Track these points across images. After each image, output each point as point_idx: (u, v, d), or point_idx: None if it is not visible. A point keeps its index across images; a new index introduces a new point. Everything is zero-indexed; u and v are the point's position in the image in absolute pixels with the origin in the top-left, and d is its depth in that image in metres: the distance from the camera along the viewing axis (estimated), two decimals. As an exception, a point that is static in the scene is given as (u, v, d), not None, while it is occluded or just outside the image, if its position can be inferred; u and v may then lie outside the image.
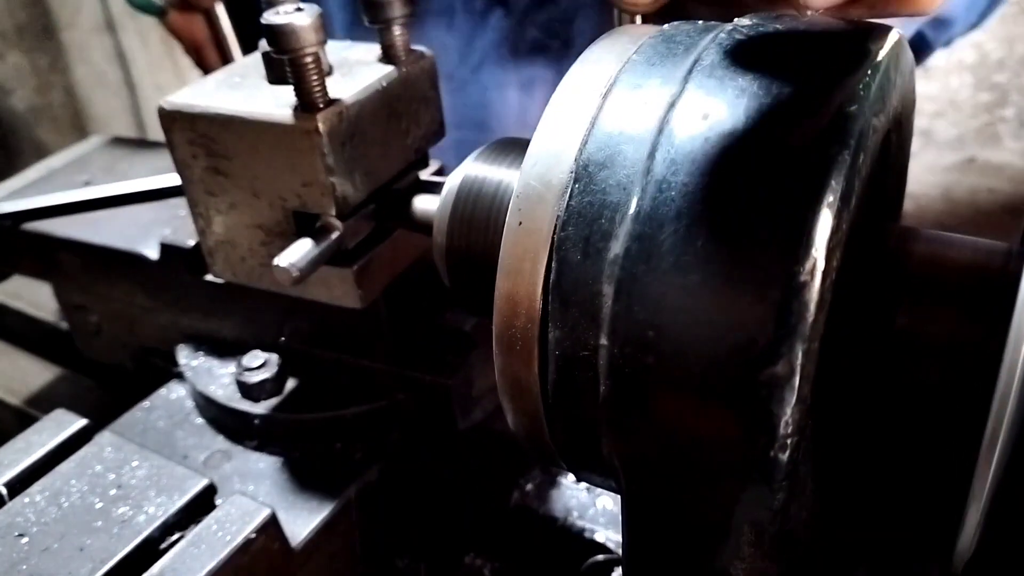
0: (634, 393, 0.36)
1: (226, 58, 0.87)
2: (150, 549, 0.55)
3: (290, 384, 0.68)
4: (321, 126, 0.53)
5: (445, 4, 1.03)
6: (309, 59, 0.51)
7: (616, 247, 0.36)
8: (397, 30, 0.58)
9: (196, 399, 0.71)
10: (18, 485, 0.59)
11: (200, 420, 0.71)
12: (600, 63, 0.41)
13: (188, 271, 0.70)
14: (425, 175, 0.64)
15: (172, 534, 0.56)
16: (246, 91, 0.58)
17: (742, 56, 0.38)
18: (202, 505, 0.58)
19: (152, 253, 0.72)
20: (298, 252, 0.53)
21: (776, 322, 0.33)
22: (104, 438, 0.63)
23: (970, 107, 1.96)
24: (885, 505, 0.45)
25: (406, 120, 0.60)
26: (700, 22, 0.43)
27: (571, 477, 0.61)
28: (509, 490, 0.66)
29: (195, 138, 0.57)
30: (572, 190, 0.38)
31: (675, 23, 0.44)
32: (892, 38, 0.39)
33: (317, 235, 0.54)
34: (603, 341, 0.37)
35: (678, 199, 0.35)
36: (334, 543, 0.62)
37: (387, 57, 0.60)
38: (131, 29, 2.67)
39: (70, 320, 0.86)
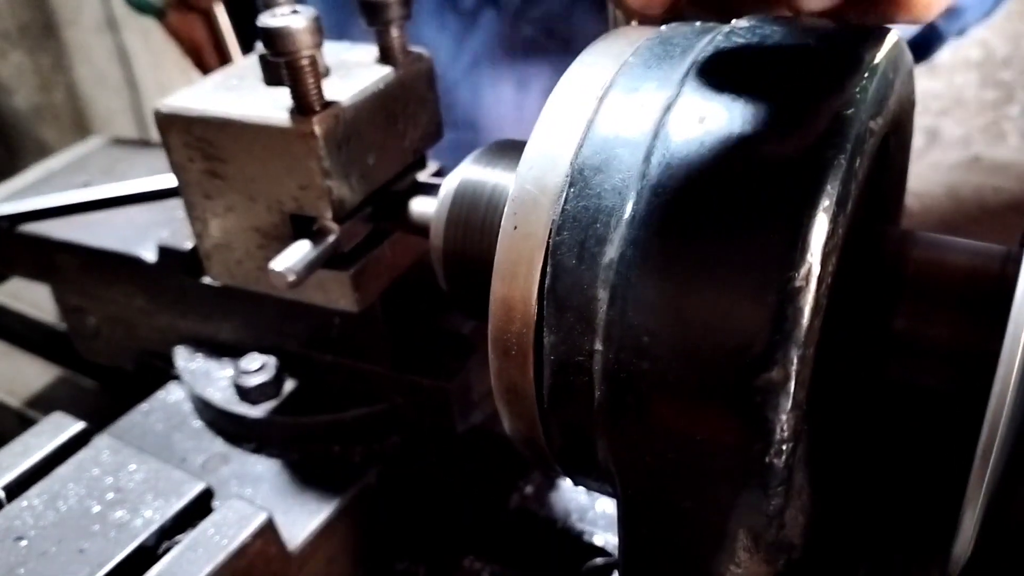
0: (629, 398, 0.36)
1: (225, 59, 0.87)
2: (147, 553, 0.55)
3: (288, 387, 0.68)
4: (317, 129, 0.52)
5: (437, 3, 1.03)
6: (306, 61, 0.51)
7: (611, 252, 0.36)
8: (395, 32, 0.58)
9: (194, 402, 0.71)
10: (16, 488, 0.59)
11: (198, 423, 0.71)
12: (596, 66, 0.41)
13: (185, 274, 0.70)
14: (423, 177, 0.63)
15: (169, 538, 0.56)
16: (243, 93, 0.57)
17: (739, 59, 0.38)
18: (199, 509, 0.58)
19: (150, 256, 0.72)
20: (294, 256, 0.53)
21: (771, 327, 0.32)
22: (102, 441, 0.62)
23: (976, 105, 1.95)
24: (883, 509, 0.45)
25: (403, 122, 0.60)
26: (697, 24, 0.43)
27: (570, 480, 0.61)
28: (508, 493, 0.65)
29: (191, 141, 0.57)
30: (567, 194, 0.38)
31: (672, 25, 0.43)
32: (890, 40, 0.39)
33: (314, 238, 0.54)
34: (598, 346, 0.36)
35: (673, 204, 0.35)
36: (332, 546, 0.62)
37: (384, 59, 0.59)
38: (133, 28, 2.68)
39: (68, 322, 0.86)
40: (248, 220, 0.58)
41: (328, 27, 0.53)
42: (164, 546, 0.56)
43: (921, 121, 1.92)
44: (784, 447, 0.33)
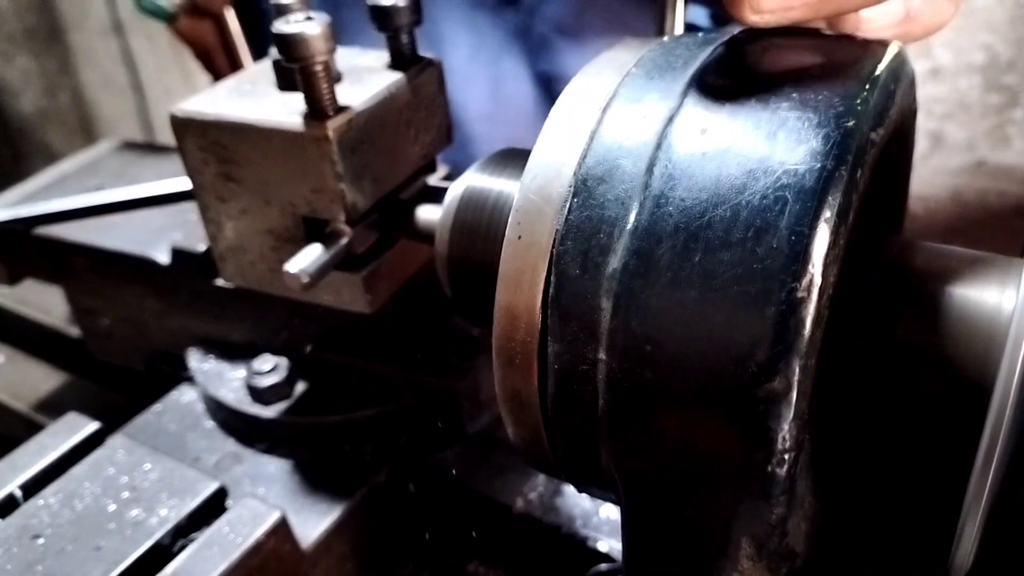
0: (632, 407, 0.36)
1: (235, 63, 0.88)
2: (163, 551, 0.55)
3: (300, 387, 0.69)
4: (331, 133, 0.53)
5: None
6: (319, 67, 0.52)
7: (614, 261, 0.36)
8: (405, 37, 0.59)
9: (207, 402, 0.72)
10: (32, 487, 0.59)
11: (211, 423, 0.72)
12: (600, 76, 0.42)
13: (198, 275, 0.71)
14: (434, 180, 0.64)
15: (184, 536, 0.57)
16: (256, 98, 0.58)
17: (741, 71, 0.38)
18: (213, 508, 0.58)
19: (163, 258, 0.73)
20: (308, 258, 0.53)
21: (773, 338, 0.33)
22: (116, 441, 0.63)
23: (980, 109, 1.95)
24: (885, 517, 0.45)
25: (415, 126, 0.61)
26: (700, 35, 0.44)
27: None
28: (513, 497, 0.66)
29: (206, 145, 0.57)
30: (571, 204, 0.38)
31: (675, 36, 0.44)
32: (891, 51, 0.39)
33: (327, 241, 0.55)
34: (602, 355, 0.37)
35: (676, 214, 0.35)
36: (343, 545, 0.63)
37: (395, 64, 0.60)
38: (139, 31, 2.68)
39: (81, 323, 0.87)
40: (262, 223, 0.59)
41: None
42: (179, 544, 0.56)
43: (925, 125, 1.92)
44: (786, 456, 0.34)
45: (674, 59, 0.41)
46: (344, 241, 0.55)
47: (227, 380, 0.71)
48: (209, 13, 0.88)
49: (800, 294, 0.32)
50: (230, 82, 0.62)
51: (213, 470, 0.67)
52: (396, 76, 0.59)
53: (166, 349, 0.79)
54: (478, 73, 1.06)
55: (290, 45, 0.50)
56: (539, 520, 0.64)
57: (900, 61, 0.40)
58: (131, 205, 0.79)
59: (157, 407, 0.74)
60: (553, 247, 0.38)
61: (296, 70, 0.52)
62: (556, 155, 0.39)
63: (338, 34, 0.53)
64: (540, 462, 0.44)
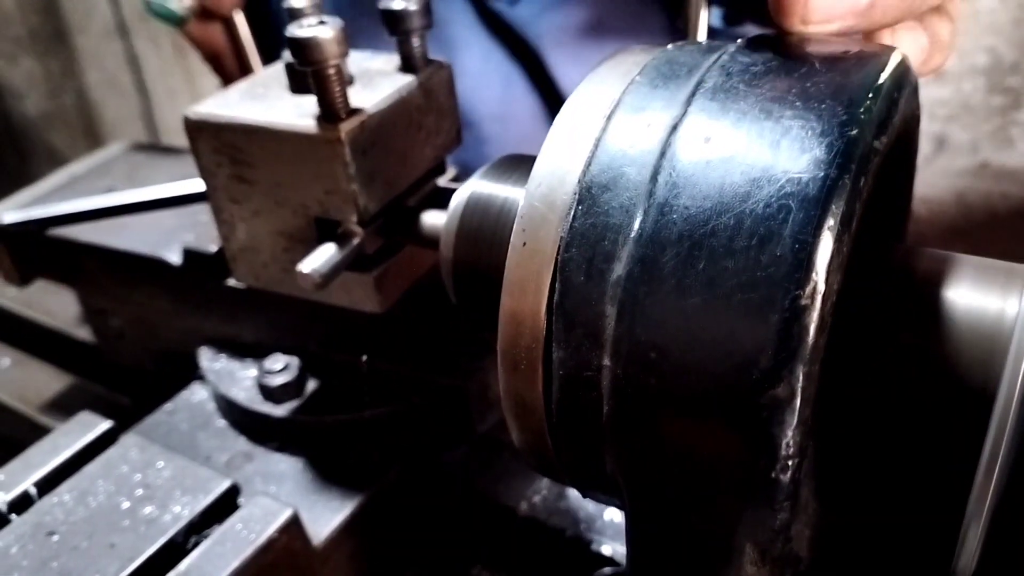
0: (637, 413, 0.37)
1: (245, 67, 0.88)
2: (176, 548, 0.56)
3: (310, 386, 0.70)
4: (344, 135, 0.54)
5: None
6: (332, 71, 0.52)
7: (619, 269, 0.36)
8: (416, 41, 0.60)
9: (218, 402, 0.73)
10: (46, 485, 0.60)
11: (222, 422, 0.72)
12: (604, 84, 0.42)
13: (210, 276, 0.72)
14: (443, 182, 0.65)
15: (197, 533, 0.57)
16: (269, 101, 0.59)
17: (744, 79, 0.38)
18: (226, 505, 0.59)
19: (175, 258, 0.74)
20: (320, 258, 0.54)
21: (777, 345, 0.33)
22: (129, 440, 0.64)
23: (983, 111, 1.95)
24: (888, 520, 0.45)
25: (425, 129, 0.61)
26: (703, 43, 0.44)
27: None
28: (517, 501, 0.66)
29: (220, 147, 0.58)
30: (575, 211, 0.38)
31: (678, 44, 0.44)
32: (895, 59, 0.39)
33: (339, 241, 0.56)
34: (606, 361, 0.37)
35: (680, 222, 0.35)
36: (354, 542, 0.64)
37: (406, 67, 0.61)
38: (143, 34, 2.69)
39: (93, 324, 0.88)
40: (274, 224, 0.60)
41: None
42: (192, 541, 0.57)
43: (928, 128, 1.92)
44: (790, 463, 0.34)
45: (678, 67, 0.41)
46: (356, 242, 0.56)
47: (238, 379, 0.72)
48: (219, 16, 0.88)
49: (804, 302, 0.33)
50: (243, 85, 0.63)
51: (225, 468, 0.67)
52: (407, 79, 0.60)
53: (177, 349, 0.80)
54: (490, 76, 1.07)
55: (304, 49, 0.51)
56: (543, 523, 0.65)
57: (903, 69, 0.40)
58: (143, 207, 0.80)
59: (168, 406, 0.74)
60: (558, 254, 0.38)
61: (309, 73, 0.53)
62: (561, 163, 0.40)
63: (351, 38, 0.53)
64: (545, 467, 0.44)
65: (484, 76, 1.07)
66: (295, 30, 0.52)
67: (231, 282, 0.68)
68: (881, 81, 0.37)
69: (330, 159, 0.55)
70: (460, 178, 0.67)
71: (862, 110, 0.35)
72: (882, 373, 0.40)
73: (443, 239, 0.51)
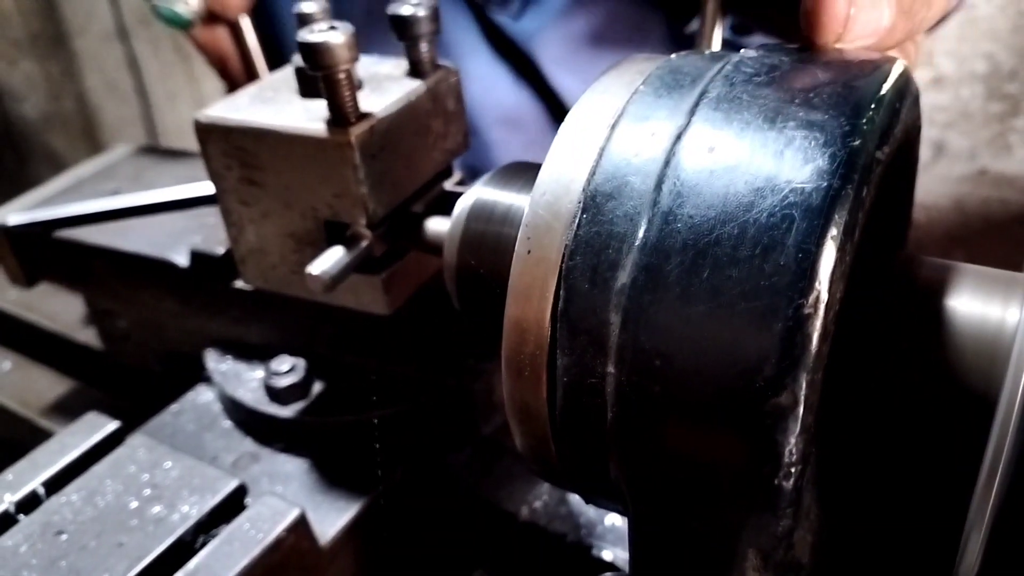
0: (641, 420, 0.37)
1: (251, 71, 0.89)
2: (185, 547, 0.56)
3: (317, 388, 0.70)
4: (354, 139, 0.54)
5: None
6: (343, 75, 0.53)
7: (623, 277, 0.37)
8: (424, 46, 0.60)
9: (224, 402, 0.73)
10: (54, 485, 0.61)
11: (228, 423, 0.73)
12: (608, 93, 0.42)
13: (218, 278, 0.72)
14: (449, 185, 0.65)
15: (205, 533, 0.58)
16: (279, 105, 0.60)
17: (748, 89, 0.39)
18: (233, 505, 0.59)
19: (182, 260, 0.74)
20: (329, 260, 0.55)
21: (780, 353, 0.33)
22: (137, 440, 0.64)
23: (982, 117, 1.96)
24: (889, 527, 0.46)
25: (433, 133, 0.62)
26: (707, 52, 0.44)
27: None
28: (518, 506, 0.67)
29: (230, 150, 0.59)
30: (580, 220, 0.39)
31: (681, 53, 0.45)
32: (897, 69, 0.40)
33: (347, 244, 0.56)
34: (610, 369, 0.37)
35: (684, 231, 0.36)
36: (360, 542, 0.64)
37: (414, 72, 0.61)
38: (143, 37, 2.69)
39: (99, 325, 0.88)
40: (284, 226, 0.60)
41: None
42: (200, 540, 0.57)
43: (927, 134, 1.93)
44: (793, 470, 0.34)
45: (681, 77, 0.41)
46: (364, 244, 0.57)
47: (244, 381, 0.72)
48: (225, 21, 0.89)
49: (807, 310, 0.33)
50: (252, 89, 0.63)
51: (231, 469, 0.68)
52: (416, 84, 0.60)
53: (183, 351, 0.80)
54: (496, 82, 1.08)
55: (315, 54, 0.52)
56: (544, 528, 0.65)
57: (905, 79, 0.40)
58: (149, 209, 0.81)
59: (174, 407, 0.75)
60: (562, 262, 0.39)
61: (320, 78, 0.54)
62: (565, 171, 0.40)
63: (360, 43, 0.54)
64: (548, 472, 0.44)
65: (490, 81, 1.08)
66: (307, 35, 0.52)
67: (239, 284, 0.69)
68: (883, 92, 0.38)
69: (340, 163, 0.55)
70: (466, 182, 0.67)
71: (864, 120, 0.36)
72: (884, 381, 0.40)
73: (447, 246, 0.51)
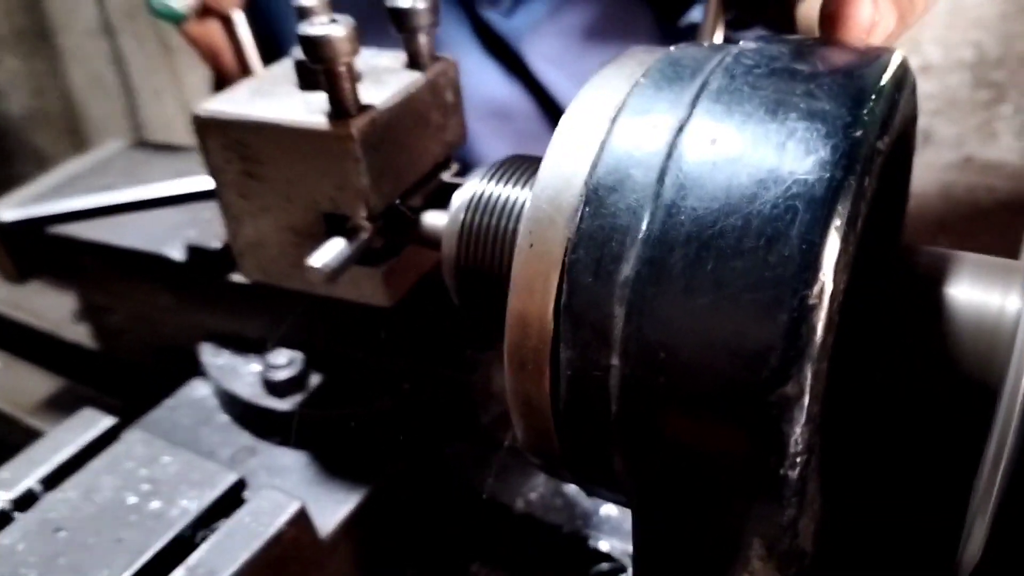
0: (645, 412, 0.37)
1: (244, 65, 0.88)
2: (184, 542, 0.56)
3: (314, 380, 0.70)
4: (355, 132, 0.54)
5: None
6: (343, 68, 0.53)
7: (627, 269, 0.37)
8: (423, 38, 0.60)
9: (220, 397, 0.73)
10: (51, 482, 0.60)
11: (224, 417, 0.73)
12: (608, 87, 0.42)
13: (214, 272, 0.72)
14: (447, 177, 0.65)
15: (205, 527, 0.57)
16: (278, 98, 0.59)
17: (748, 81, 0.39)
18: (232, 499, 0.59)
19: (177, 255, 0.74)
20: (330, 252, 0.54)
21: (786, 344, 0.33)
22: (133, 435, 0.64)
23: (968, 105, 1.97)
24: (892, 515, 0.46)
25: (432, 125, 0.62)
26: (705, 44, 0.44)
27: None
28: (513, 498, 0.67)
29: (229, 144, 0.58)
30: (582, 213, 0.38)
31: (681, 46, 0.44)
32: (895, 60, 0.40)
33: (348, 236, 0.56)
34: (615, 361, 0.37)
35: (687, 223, 0.36)
36: (359, 535, 0.64)
37: (413, 64, 0.61)
38: (128, 33, 2.67)
39: (92, 321, 0.88)
40: (283, 219, 0.60)
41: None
42: (200, 535, 0.57)
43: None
44: (798, 459, 0.34)
45: (681, 69, 0.41)
46: (365, 236, 0.56)
47: (241, 374, 0.72)
48: (218, 14, 0.88)
49: (812, 301, 0.33)
50: (251, 82, 0.63)
51: (229, 463, 0.68)
52: (415, 76, 0.60)
53: (178, 345, 0.80)
54: (488, 75, 1.08)
55: (317, 47, 0.51)
56: (540, 520, 0.65)
57: (904, 70, 0.40)
58: (143, 205, 0.80)
59: (169, 402, 0.75)
60: (565, 255, 0.38)
61: (321, 71, 0.53)
62: (567, 165, 0.40)
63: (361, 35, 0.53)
64: (550, 466, 0.44)
65: (480, 77, 1.08)
66: (307, 28, 0.52)
67: (236, 277, 0.68)
68: (883, 83, 0.38)
69: (341, 155, 0.55)
70: (461, 174, 0.67)
71: (865, 111, 0.36)
72: (885, 369, 0.41)
73: (444, 240, 0.51)
